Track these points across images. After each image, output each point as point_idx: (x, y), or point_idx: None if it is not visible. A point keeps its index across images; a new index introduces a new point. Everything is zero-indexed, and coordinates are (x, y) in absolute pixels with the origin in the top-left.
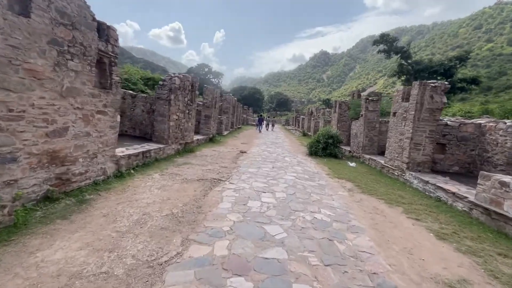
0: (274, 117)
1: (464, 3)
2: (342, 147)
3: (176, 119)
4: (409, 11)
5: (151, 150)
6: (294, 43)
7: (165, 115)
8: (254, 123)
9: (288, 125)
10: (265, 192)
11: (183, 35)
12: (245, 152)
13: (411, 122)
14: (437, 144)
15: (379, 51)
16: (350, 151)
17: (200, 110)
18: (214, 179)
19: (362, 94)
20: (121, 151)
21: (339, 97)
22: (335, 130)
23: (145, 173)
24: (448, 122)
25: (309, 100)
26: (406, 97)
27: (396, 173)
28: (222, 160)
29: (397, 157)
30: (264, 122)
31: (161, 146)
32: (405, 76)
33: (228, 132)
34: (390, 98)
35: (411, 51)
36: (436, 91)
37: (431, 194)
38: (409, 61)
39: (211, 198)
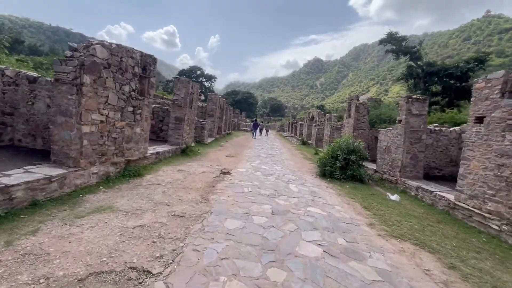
0: (268, 123)
1: (453, 15)
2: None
3: (101, 122)
4: (400, 21)
5: (16, 185)
6: (288, 50)
7: (71, 113)
8: (248, 129)
9: (283, 131)
10: None
11: (177, 38)
12: (228, 172)
13: None
14: None
15: (386, 51)
16: (376, 171)
17: (169, 110)
18: (131, 269)
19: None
20: None
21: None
22: (358, 141)
23: None
24: None
25: (302, 106)
26: (510, 90)
27: (496, 226)
28: (184, 194)
29: (494, 196)
30: (259, 127)
31: (58, 173)
32: (413, 80)
33: (212, 139)
34: (396, 104)
35: (422, 52)
36: None
37: None
38: (419, 63)
39: None
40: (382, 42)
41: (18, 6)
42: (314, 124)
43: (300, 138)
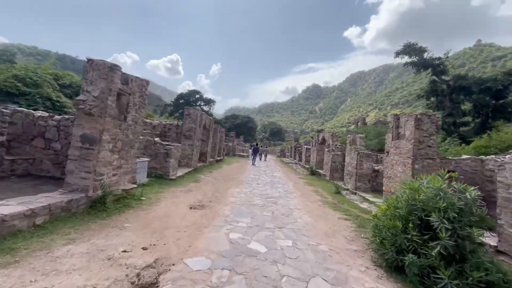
0: (266, 147)
1: (443, 44)
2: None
3: None
4: (393, 50)
5: None
6: (287, 77)
7: None
8: (244, 154)
9: (284, 157)
10: None
11: (180, 66)
12: (154, 281)
13: None
14: None
15: (405, 64)
16: (498, 251)
17: (71, 124)
18: None
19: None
20: None
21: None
22: (469, 188)
23: None
24: None
25: (302, 131)
26: None
27: None
28: None
29: None
30: (259, 152)
31: None
32: (436, 97)
33: (188, 170)
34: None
35: (447, 64)
36: None
37: None
38: (444, 77)
39: None
40: (398, 54)
41: (28, 35)
42: (327, 149)
43: (307, 166)
